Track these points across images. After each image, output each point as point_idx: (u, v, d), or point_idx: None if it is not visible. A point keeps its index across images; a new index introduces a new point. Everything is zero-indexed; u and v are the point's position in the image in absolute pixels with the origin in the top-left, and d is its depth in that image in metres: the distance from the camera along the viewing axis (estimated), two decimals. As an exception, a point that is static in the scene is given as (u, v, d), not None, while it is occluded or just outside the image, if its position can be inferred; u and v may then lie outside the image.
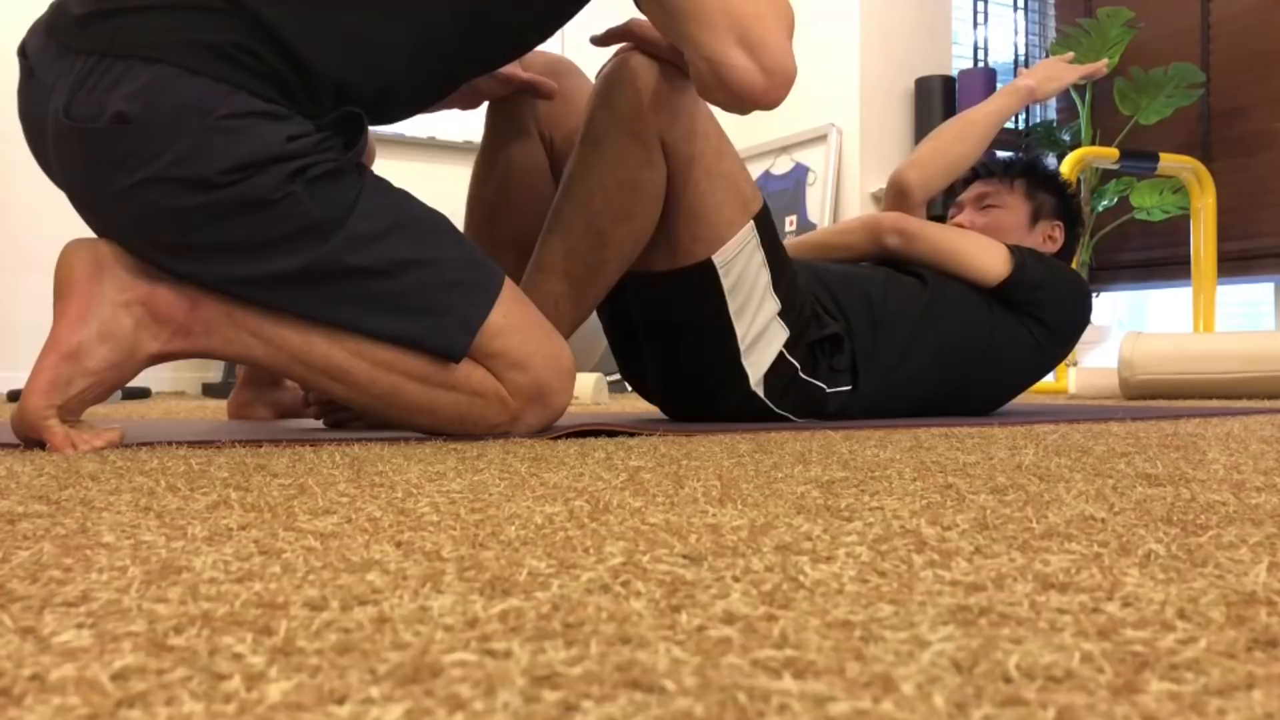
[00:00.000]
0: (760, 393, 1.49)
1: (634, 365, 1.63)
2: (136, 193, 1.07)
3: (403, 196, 1.20)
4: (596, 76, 1.41)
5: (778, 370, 1.50)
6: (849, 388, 1.57)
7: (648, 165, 1.37)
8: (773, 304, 1.48)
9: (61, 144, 1.10)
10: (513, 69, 1.49)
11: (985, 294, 1.72)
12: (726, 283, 1.44)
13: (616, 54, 1.39)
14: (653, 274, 1.46)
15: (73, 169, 1.12)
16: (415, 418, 1.21)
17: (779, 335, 1.49)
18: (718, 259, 1.43)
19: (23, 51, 1.15)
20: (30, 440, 1.09)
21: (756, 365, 1.48)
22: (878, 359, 1.60)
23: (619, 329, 1.62)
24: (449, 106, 1.50)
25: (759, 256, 1.47)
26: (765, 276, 1.47)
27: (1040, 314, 1.74)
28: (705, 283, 1.44)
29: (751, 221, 1.46)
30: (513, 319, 1.20)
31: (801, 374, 1.51)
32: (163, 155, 1.06)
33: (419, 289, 1.15)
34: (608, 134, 1.36)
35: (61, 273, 1.12)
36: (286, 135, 1.08)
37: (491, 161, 1.55)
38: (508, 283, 1.22)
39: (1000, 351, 1.72)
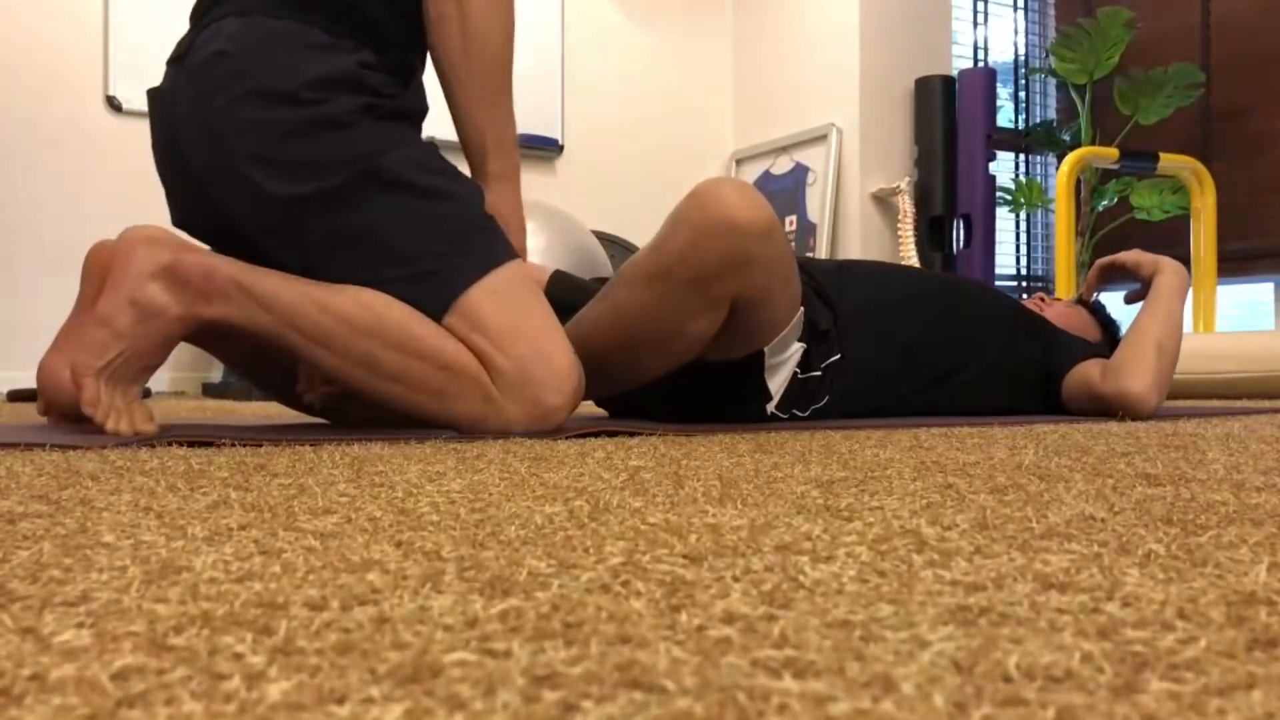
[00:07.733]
0: (772, 406, 1.49)
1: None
2: (234, 109, 1.25)
3: (450, 167, 1.33)
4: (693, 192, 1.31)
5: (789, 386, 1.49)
6: (838, 355, 1.54)
7: (704, 317, 1.32)
8: (797, 344, 1.47)
9: (180, 94, 1.29)
10: None
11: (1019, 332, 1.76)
12: (771, 361, 1.44)
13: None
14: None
15: (188, 112, 1.28)
16: (391, 387, 1.24)
17: (796, 354, 1.48)
18: (769, 348, 1.42)
19: (155, 90, 1.35)
20: (53, 398, 1.23)
21: (777, 390, 1.48)
22: (857, 321, 1.58)
23: None
24: None
25: (797, 319, 1.44)
26: (798, 331, 1.45)
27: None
28: (751, 366, 1.44)
29: (801, 309, 1.43)
30: (506, 295, 1.25)
31: (800, 375, 1.50)
32: (256, 74, 1.25)
33: (452, 219, 1.28)
34: (673, 277, 1.29)
35: (90, 263, 1.32)
36: (357, 61, 1.27)
37: None
38: (517, 263, 1.29)
39: (1008, 351, 1.72)
